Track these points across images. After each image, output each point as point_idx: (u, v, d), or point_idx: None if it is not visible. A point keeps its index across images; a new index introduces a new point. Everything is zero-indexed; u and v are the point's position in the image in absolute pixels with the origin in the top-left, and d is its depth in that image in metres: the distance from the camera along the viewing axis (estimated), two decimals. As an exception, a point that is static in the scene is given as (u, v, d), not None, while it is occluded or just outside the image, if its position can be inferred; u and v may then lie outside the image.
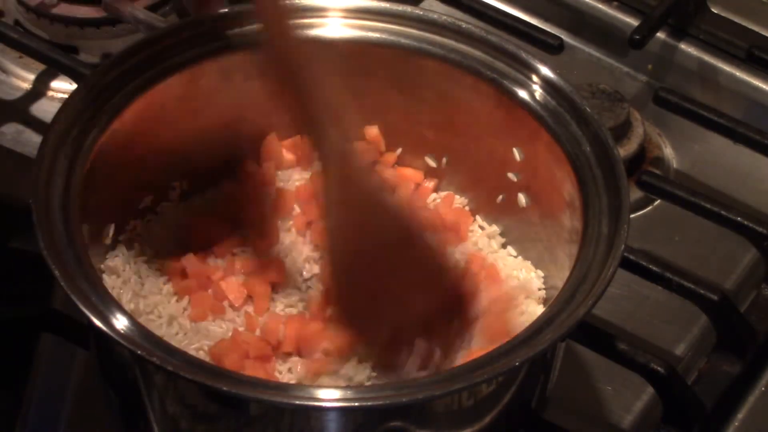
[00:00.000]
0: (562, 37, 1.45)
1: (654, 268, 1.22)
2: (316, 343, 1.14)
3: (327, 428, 1.02)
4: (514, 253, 1.24)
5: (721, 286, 1.28)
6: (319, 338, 1.14)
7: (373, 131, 1.26)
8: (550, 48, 1.42)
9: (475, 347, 1.11)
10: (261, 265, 1.19)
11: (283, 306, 1.18)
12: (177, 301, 1.17)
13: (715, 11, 1.52)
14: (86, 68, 1.34)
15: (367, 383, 1.11)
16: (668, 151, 1.45)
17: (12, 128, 1.41)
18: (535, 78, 1.19)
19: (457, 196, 1.28)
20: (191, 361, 1.00)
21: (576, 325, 1.02)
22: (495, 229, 1.26)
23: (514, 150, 1.21)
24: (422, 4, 1.52)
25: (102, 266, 1.18)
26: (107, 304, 1.01)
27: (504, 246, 1.25)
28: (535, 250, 1.22)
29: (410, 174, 1.28)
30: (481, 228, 1.26)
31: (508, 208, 1.24)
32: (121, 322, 1.00)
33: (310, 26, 1.22)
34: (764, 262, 1.31)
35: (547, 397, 1.14)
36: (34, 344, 1.20)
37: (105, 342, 1.09)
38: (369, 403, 0.98)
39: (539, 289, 1.20)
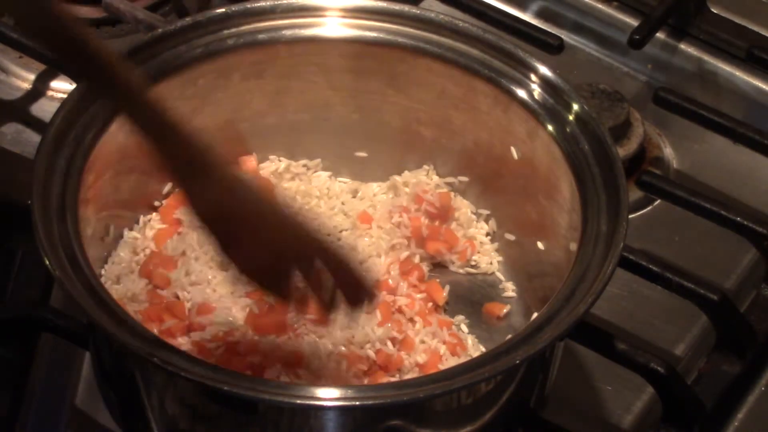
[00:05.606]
0: (562, 36, 1.45)
1: (654, 268, 1.22)
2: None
3: (327, 427, 1.03)
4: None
5: (721, 286, 1.28)
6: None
7: None
8: (550, 48, 1.42)
9: None
10: None
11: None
12: None
13: (715, 11, 1.52)
14: (86, 68, 1.34)
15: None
16: (668, 151, 1.45)
17: (12, 128, 1.41)
18: (532, 76, 1.19)
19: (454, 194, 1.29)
20: (191, 361, 0.99)
21: (575, 324, 1.03)
22: (492, 225, 1.27)
23: (512, 148, 1.21)
24: (422, 4, 1.52)
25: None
26: (107, 303, 1.02)
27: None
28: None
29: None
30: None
31: (506, 205, 1.25)
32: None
33: (308, 26, 1.22)
34: (764, 262, 1.30)
35: (546, 396, 1.14)
36: (34, 344, 1.20)
37: (105, 342, 1.09)
38: (369, 403, 0.98)
39: None
